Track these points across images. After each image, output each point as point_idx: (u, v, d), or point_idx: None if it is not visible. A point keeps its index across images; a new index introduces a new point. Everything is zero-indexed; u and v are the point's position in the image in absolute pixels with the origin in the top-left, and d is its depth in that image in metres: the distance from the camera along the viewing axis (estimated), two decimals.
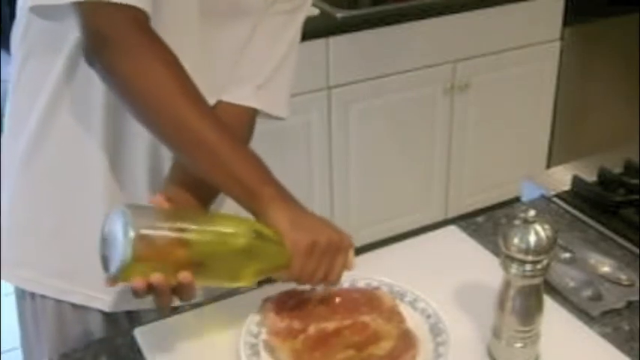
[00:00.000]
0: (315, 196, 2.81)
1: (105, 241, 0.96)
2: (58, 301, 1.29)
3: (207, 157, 1.06)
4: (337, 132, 2.76)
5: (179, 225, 0.98)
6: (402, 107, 2.87)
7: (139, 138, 1.20)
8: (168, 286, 0.96)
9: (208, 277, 1.01)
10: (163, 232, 0.96)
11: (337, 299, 1.11)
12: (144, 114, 1.07)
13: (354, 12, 2.69)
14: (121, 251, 0.92)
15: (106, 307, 1.29)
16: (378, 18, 2.67)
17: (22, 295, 1.33)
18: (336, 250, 1.05)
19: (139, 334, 1.14)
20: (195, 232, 0.98)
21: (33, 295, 1.30)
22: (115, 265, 0.93)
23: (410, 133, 2.94)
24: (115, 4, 1.02)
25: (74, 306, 1.29)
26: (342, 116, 2.75)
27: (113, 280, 0.94)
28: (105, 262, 0.96)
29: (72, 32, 1.12)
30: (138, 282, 0.94)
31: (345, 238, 1.07)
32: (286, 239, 1.02)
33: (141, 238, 0.92)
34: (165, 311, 1.01)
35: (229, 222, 1.03)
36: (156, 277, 0.94)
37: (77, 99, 1.19)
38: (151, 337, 1.13)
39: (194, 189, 1.14)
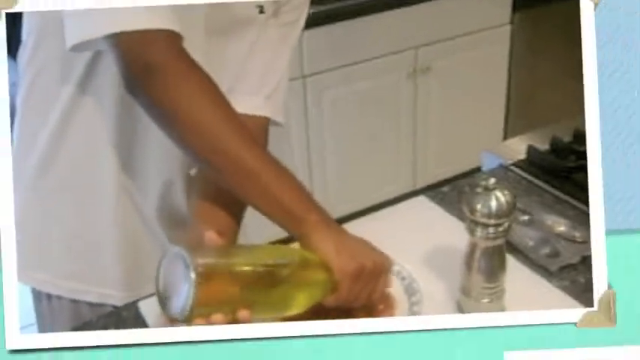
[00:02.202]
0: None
1: (162, 281, 0.91)
2: (74, 301, 1.27)
3: (251, 183, 1.02)
4: (313, 118, 2.76)
5: (233, 261, 0.94)
6: (370, 91, 2.86)
7: (151, 148, 1.17)
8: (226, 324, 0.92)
9: (261, 310, 0.95)
10: (222, 271, 0.91)
11: None
12: (186, 139, 1.02)
13: (322, 7, 2.68)
14: (184, 296, 0.86)
15: (120, 302, 1.26)
16: (345, 12, 2.66)
17: (38, 296, 1.30)
18: (380, 272, 1.03)
19: (143, 306, 1.14)
20: (248, 265, 0.94)
21: (49, 296, 1.28)
22: (177, 308, 0.88)
23: (379, 114, 2.93)
24: (152, 30, 0.97)
25: (90, 304, 1.27)
26: (316, 101, 2.74)
27: (173, 321, 0.90)
28: (162, 300, 0.90)
29: (85, 53, 1.09)
30: (200, 324, 0.89)
31: (387, 259, 1.05)
32: (333, 265, 0.98)
33: (202, 281, 0.86)
34: None
35: (277, 253, 0.99)
36: (217, 319, 0.89)
37: (89, 116, 1.15)
38: (154, 308, 1.12)
39: (225, 204, 1.10)
